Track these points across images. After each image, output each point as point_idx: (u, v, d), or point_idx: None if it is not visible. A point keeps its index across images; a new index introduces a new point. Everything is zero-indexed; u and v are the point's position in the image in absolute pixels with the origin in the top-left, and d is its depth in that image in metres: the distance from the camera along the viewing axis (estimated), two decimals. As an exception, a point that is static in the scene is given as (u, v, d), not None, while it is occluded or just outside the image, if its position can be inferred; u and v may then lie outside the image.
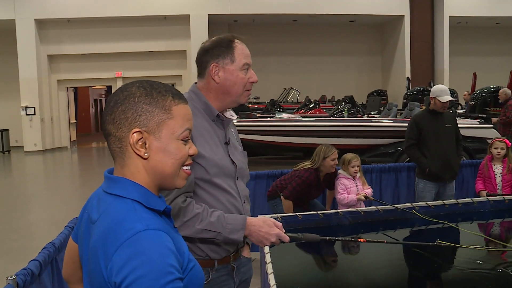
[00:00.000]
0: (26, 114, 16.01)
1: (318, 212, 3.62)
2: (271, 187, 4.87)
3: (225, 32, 20.37)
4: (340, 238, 1.99)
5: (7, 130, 16.50)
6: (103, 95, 26.70)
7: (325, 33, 19.68)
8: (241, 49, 1.96)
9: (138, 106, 1.16)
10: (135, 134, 1.15)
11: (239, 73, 1.95)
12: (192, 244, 1.89)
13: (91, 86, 19.51)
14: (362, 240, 1.99)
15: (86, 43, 16.56)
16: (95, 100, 26.74)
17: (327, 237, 1.92)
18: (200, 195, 1.89)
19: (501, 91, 10.08)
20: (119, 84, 18.32)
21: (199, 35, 16.14)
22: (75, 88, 18.90)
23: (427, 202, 3.51)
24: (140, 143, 1.15)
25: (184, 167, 1.22)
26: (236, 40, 1.97)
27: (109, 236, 1.06)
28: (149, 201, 1.15)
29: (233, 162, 1.99)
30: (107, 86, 19.65)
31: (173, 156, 1.18)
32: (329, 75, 19.82)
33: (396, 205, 3.41)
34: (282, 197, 4.58)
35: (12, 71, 16.46)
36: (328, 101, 16.83)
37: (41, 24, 16.32)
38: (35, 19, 15.89)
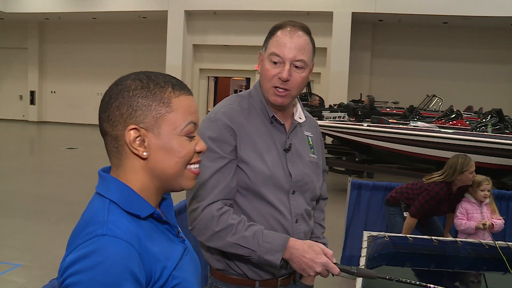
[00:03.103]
0: (170, 99, 17.29)
1: (433, 237, 3.17)
2: (394, 192, 4.39)
3: (368, 32, 19.53)
4: (402, 280, 1.56)
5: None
6: (243, 87, 27.71)
7: (479, 37, 17.89)
8: (279, 37, 1.64)
9: (133, 101, 1.03)
10: (131, 131, 1.03)
11: (265, 63, 1.67)
12: (228, 259, 1.66)
13: (231, 77, 20.26)
14: (430, 285, 1.51)
15: (229, 35, 17.16)
16: (235, 90, 27.76)
17: (387, 277, 1.52)
18: (241, 204, 1.64)
19: None
20: (257, 77, 18.69)
21: (341, 33, 15.83)
22: (216, 78, 19.72)
23: None
24: (138, 142, 1.04)
25: (191, 166, 1.08)
26: (286, 28, 1.65)
27: (74, 236, 1.00)
28: (128, 204, 1.03)
29: (289, 172, 1.67)
30: (246, 78, 20.23)
31: (176, 155, 1.05)
32: (478, 84, 18.05)
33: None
34: (408, 214, 4.11)
35: (160, 59, 17.65)
36: (474, 113, 15.38)
37: (190, 15, 17.32)
38: (184, 11, 16.96)
